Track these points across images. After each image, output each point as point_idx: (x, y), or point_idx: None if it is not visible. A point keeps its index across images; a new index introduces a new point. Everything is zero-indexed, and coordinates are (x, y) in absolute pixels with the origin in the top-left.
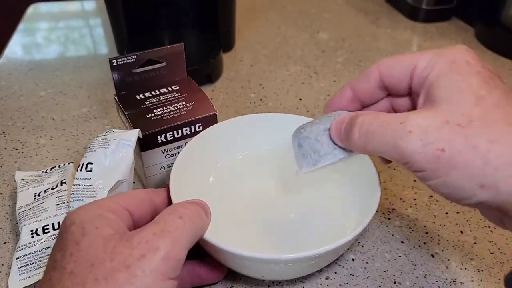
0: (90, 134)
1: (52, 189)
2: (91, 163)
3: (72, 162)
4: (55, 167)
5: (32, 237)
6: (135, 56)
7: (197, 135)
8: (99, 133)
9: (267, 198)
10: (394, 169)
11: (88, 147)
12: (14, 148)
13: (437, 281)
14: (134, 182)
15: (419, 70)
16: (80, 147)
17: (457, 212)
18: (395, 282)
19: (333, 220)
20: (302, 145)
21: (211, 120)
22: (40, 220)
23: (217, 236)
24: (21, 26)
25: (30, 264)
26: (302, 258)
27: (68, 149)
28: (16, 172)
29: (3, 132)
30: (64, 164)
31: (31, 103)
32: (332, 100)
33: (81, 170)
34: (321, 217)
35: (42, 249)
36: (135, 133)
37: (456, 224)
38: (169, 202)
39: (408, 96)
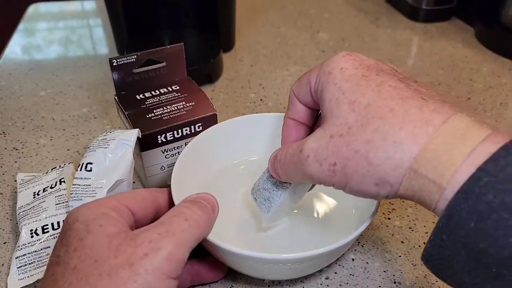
0: (90, 134)
1: (51, 187)
2: (91, 163)
3: (72, 162)
4: (55, 167)
5: (32, 236)
6: (135, 56)
7: (198, 135)
8: (99, 133)
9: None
10: None
11: (88, 147)
12: (14, 148)
13: (437, 281)
14: (134, 182)
15: (313, 88)
16: (80, 147)
17: None
18: (395, 282)
19: (334, 220)
20: (256, 198)
21: (211, 120)
22: (40, 220)
23: (218, 235)
24: (21, 26)
25: (30, 263)
26: (303, 258)
27: (68, 149)
28: (18, 173)
29: (3, 132)
30: (64, 164)
31: (31, 103)
32: (283, 138)
33: (80, 170)
34: (321, 217)
35: (41, 249)
36: (134, 133)
37: None
38: (172, 202)
39: None
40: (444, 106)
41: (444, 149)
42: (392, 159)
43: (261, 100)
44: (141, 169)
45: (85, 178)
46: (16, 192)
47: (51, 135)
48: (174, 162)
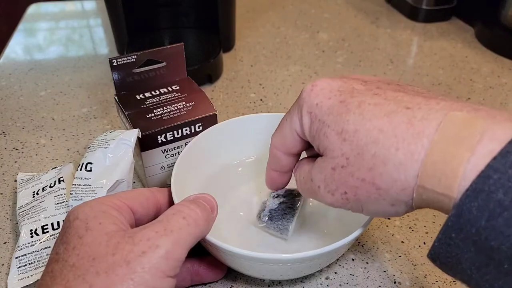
0: (90, 134)
1: (50, 187)
2: (91, 163)
3: (72, 162)
4: (55, 167)
5: (32, 236)
6: (135, 56)
7: (198, 135)
8: (99, 133)
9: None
10: None
11: (88, 147)
12: (14, 148)
13: (437, 281)
14: (134, 182)
15: (300, 132)
16: (80, 147)
17: None
18: (395, 282)
19: (334, 220)
20: (269, 225)
21: (211, 120)
22: (40, 220)
23: (218, 235)
24: (21, 26)
25: (29, 263)
26: (303, 258)
27: (68, 149)
28: (18, 173)
29: (3, 132)
30: (67, 163)
31: (31, 103)
32: (271, 185)
33: (80, 170)
34: (322, 217)
35: (41, 249)
36: (134, 133)
37: None
38: (172, 201)
39: None
40: (431, 110)
41: (444, 160)
42: (398, 181)
43: (261, 100)
44: (141, 169)
45: (85, 178)
46: (16, 192)
47: (51, 135)
48: (174, 162)
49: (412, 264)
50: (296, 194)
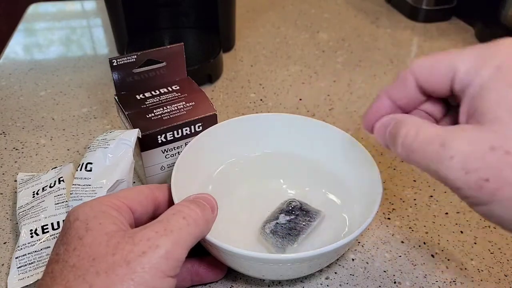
0: (90, 134)
1: (50, 187)
2: (91, 163)
3: (72, 162)
4: (55, 167)
5: (32, 236)
6: (135, 56)
7: (198, 135)
8: (99, 133)
9: (268, 199)
10: (394, 169)
11: (88, 147)
12: (14, 148)
13: (437, 281)
14: (134, 182)
15: (461, 74)
16: (80, 147)
17: (457, 212)
18: (395, 282)
19: (334, 220)
20: (265, 242)
21: (211, 120)
22: (40, 220)
23: (218, 235)
24: (21, 26)
25: (29, 264)
26: (303, 258)
27: (68, 149)
28: (18, 173)
29: (3, 132)
30: (67, 163)
31: (31, 103)
32: (369, 112)
33: (80, 170)
34: (322, 216)
35: (41, 249)
36: (134, 133)
37: (456, 224)
38: (171, 199)
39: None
40: None
41: None
42: None
43: (261, 100)
44: (141, 169)
45: (85, 178)
46: (16, 192)
47: (51, 135)
48: (174, 162)
49: (412, 264)
50: (313, 215)
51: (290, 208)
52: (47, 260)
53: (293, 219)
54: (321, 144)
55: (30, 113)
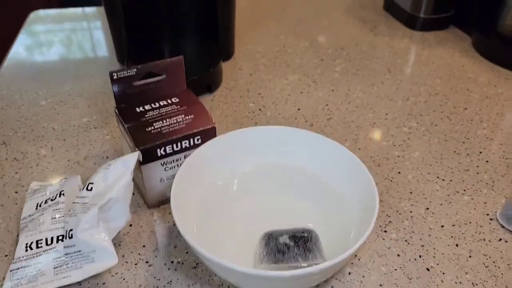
0: (90, 145)
1: (52, 200)
2: (92, 183)
3: (79, 174)
4: (65, 178)
5: (26, 250)
6: (135, 69)
7: (197, 149)
8: (99, 143)
9: (268, 212)
10: (391, 180)
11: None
12: (15, 158)
13: None
14: (133, 194)
15: None
16: (81, 157)
17: (453, 225)
18: None
19: (331, 234)
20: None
21: (210, 133)
22: (36, 234)
23: (215, 247)
24: (21, 34)
25: (22, 277)
26: (297, 276)
27: (68, 160)
28: (32, 182)
29: (4, 142)
30: (75, 175)
31: (32, 112)
32: None
33: (82, 189)
34: (320, 231)
35: (33, 264)
36: (135, 156)
37: (452, 237)
38: None
39: None
40: None
41: None
42: None
43: (259, 110)
44: (141, 181)
45: (84, 197)
46: (16, 203)
47: (51, 145)
48: (174, 174)
49: (408, 277)
50: (309, 257)
51: (299, 235)
52: (35, 276)
53: (290, 246)
54: (319, 157)
55: (31, 123)
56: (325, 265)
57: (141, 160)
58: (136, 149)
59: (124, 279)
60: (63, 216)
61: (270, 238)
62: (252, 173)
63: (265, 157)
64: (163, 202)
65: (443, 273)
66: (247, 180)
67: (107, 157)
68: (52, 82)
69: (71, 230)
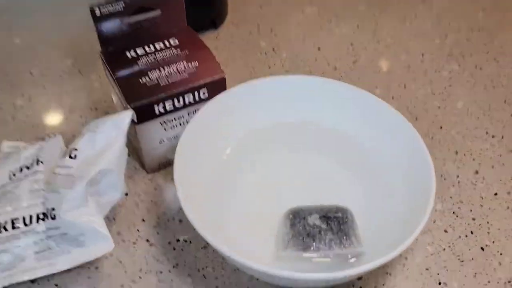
0: (75, 94)
1: (28, 168)
2: (76, 149)
3: (60, 134)
4: (43, 138)
5: (0, 232)
6: (123, 3)
7: (205, 105)
8: (85, 92)
9: (292, 184)
10: (432, 138)
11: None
12: None
13: (489, 282)
14: (129, 155)
15: None
16: (66, 109)
17: (508, 193)
18: (440, 283)
19: (368, 214)
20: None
21: (218, 85)
22: (11, 212)
23: (231, 231)
24: None
25: None
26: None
27: (49, 112)
28: (3, 142)
29: None
30: (54, 135)
31: (5, 53)
32: None
33: (64, 157)
34: (354, 210)
35: (9, 249)
36: (128, 116)
37: (508, 207)
38: None
39: None
40: None
41: None
42: None
43: (273, 50)
44: (137, 142)
45: (67, 167)
46: None
47: (29, 95)
48: (176, 134)
49: (459, 259)
50: (344, 243)
51: (332, 215)
52: (13, 263)
53: (322, 229)
54: (349, 111)
55: (3, 66)
56: (376, 264)
57: (135, 120)
58: (128, 106)
59: (120, 261)
60: (43, 190)
61: (297, 218)
62: (271, 134)
63: (288, 114)
64: (165, 165)
65: (501, 254)
66: (266, 143)
67: (96, 109)
68: (26, 14)
69: (53, 209)
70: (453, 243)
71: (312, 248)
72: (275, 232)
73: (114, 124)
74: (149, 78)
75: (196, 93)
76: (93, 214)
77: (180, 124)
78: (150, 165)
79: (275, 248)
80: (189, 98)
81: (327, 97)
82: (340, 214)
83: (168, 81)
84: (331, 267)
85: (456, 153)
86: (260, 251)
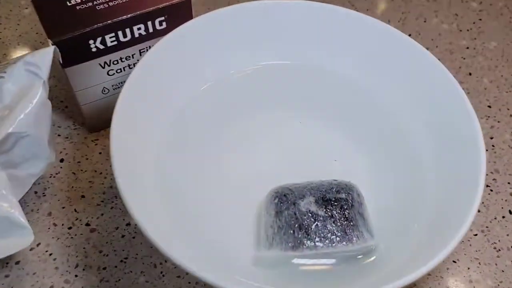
0: None
1: None
2: None
3: None
4: None
5: None
6: None
7: (162, 38)
8: (12, 20)
9: (279, 153)
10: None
11: None
12: None
13: None
14: (67, 107)
15: None
16: None
17: None
18: (470, 281)
19: (383, 194)
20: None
21: (181, 11)
22: None
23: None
24: None
25: None
26: None
27: None
28: None
29: None
30: None
31: None
32: None
33: None
34: (363, 187)
35: None
36: (48, 53)
37: None
38: None
39: None
40: None
41: None
42: None
43: None
44: (71, 92)
45: None
46: None
47: None
48: (125, 80)
49: (495, 248)
50: (352, 234)
51: (333, 197)
52: None
53: (319, 217)
54: (355, 49)
55: None
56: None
57: (60, 60)
58: (50, 41)
59: (50, 254)
60: None
61: (284, 203)
62: (252, 81)
63: (275, 54)
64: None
65: None
66: (244, 93)
67: (19, 44)
68: None
69: None
70: (487, 227)
71: (305, 246)
72: (255, 223)
73: (29, 68)
74: (81, 0)
75: (150, 23)
76: (3, 195)
77: (129, 67)
78: (92, 122)
79: (255, 247)
80: (140, 29)
81: (329, 31)
82: (343, 195)
83: (108, 4)
84: (336, 275)
85: (489, 106)
86: (234, 251)
